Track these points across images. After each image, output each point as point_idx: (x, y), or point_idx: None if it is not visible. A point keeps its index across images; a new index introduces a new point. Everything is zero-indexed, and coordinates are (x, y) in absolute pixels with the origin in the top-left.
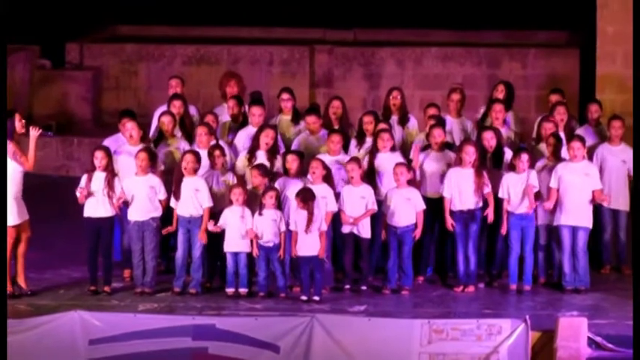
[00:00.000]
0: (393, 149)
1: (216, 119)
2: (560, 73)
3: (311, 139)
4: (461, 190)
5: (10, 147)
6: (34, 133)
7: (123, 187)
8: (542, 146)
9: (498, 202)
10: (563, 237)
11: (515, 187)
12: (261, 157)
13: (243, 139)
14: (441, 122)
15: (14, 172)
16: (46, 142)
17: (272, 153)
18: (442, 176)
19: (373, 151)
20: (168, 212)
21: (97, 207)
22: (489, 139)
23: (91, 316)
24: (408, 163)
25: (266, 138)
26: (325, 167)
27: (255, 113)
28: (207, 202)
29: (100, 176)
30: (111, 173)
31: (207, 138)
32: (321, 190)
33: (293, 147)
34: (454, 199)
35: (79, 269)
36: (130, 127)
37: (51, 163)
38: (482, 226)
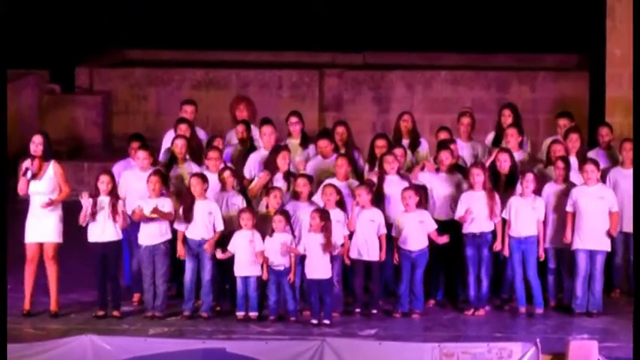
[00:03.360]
0: (400, 173)
1: (223, 143)
2: (570, 96)
3: (323, 163)
4: (474, 212)
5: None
6: (24, 165)
7: (134, 205)
8: (551, 169)
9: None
10: (579, 261)
11: (519, 211)
12: (279, 179)
13: (253, 162)
14: (448, 144)
15: (39, 190)
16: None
17: (289, 174)
18: (451, 199)
19: (381, 175)
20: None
21: (102, 232)
22: (502, 161)
23: (102, 340)
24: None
25: (283, 160)
26: (338, 192)
27: (266, 132)
28: (220, 226)
29: (104, 200)
30: (115, 198)
31: (219, 162)
32: (335, 214)
33: (306, 171)
34: (467, 223)
35: (90, 293)
36: (141, 155)
37: None
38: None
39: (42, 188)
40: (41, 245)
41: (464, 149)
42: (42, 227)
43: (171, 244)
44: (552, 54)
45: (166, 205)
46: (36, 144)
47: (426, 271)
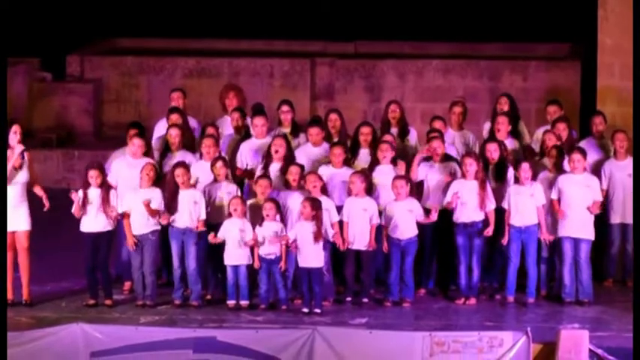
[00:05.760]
0: (392, 161)
1: (217, 131)
2: (562, 85)
3: (313, 150)
4: (465, 202)
5: None
6: (17, 150)
7: (123, 201)
8: (546, 160)
9: (500, 215)
10: (565, 249)
11: (517, 199)
12: (275, 168)
13: (245, 151)
14: (439, 135)
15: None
16: (47, 155)
17: (286, 162)
18: (445, 188)
19: (373, 164)
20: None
21: (93, 222)
22: (492, 152)
23: (93, 328)
24: (407, 175)
25: (274, 146)
26: (321, 179)
27: (258, 124)
28: (203, 214)
29: (95, 192)
30: (106, 190)
31: (214, 150)
32: (323, 202)
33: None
34: (458, 212)
35: (80, 282)
36: (137, 143)
37: (52, 175)
38: (483, 238)
39: (23, 178)
40: (13, 234)
41: (455, 138)
42: (16, 216)
43: (161, 233)
44: (544, 43)
45: (156, 196)
46: (18, 134)
47: (417, 260)
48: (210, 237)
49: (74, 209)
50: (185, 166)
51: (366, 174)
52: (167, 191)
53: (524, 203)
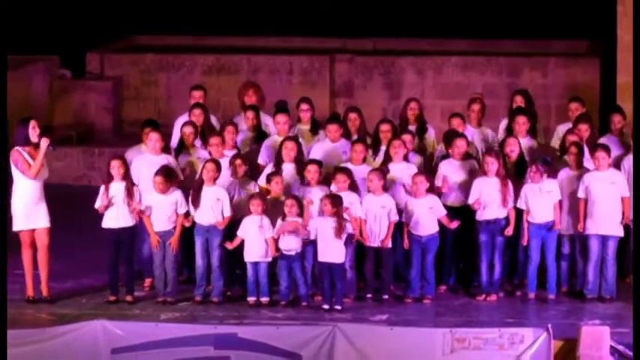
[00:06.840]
0: (406, 158)
1: (236, 129)
2: (581, 82)
3: (330, 146)
4: (487, 199)
5: (14, 154)
6: (43, 144)
7: (144, 201)
8: (567, 157)
9: (518, 214)
10: (592, 246)
11: (534, 197)
12: (289, 169)
13: (266, 149)
14: (460, 133)
15: (22, 178)
16: (67, 153)
17: (298, 163)
18: (464, 185)
19: (386, 161)
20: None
21: (116, 217)
22: (512, 146)
23: (114, 325)
24: (432, 173)
25: (286, 149)
26: (349, 176)
27: (280, 121)
28: (228, 212)
29: (118, 186)
30: (129, 182)
31: (222, 148)
32: (347, 197)
33: (312, 154)
34: (480, 210)
35: (101, 278)
36: (153, 137)
37: (72, 173)
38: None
39: (44, 174)
40: (33, 231)
41: (474, 135)
42: (36, 213)
43: (184, 229)
44: (563, 40)
45: (176, 197)
46: (37, 130)
47: (438, 257)
48: (227, 244)
49: (99, 204)
50: (216, 162)
51: (384, 171)
52: (193, 187)
53: (541, 200)
